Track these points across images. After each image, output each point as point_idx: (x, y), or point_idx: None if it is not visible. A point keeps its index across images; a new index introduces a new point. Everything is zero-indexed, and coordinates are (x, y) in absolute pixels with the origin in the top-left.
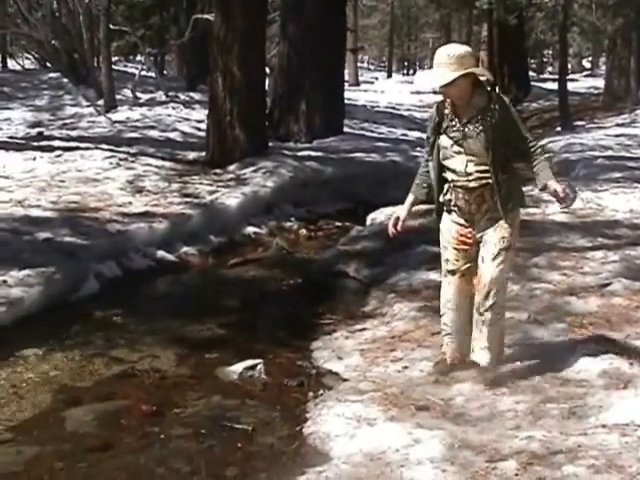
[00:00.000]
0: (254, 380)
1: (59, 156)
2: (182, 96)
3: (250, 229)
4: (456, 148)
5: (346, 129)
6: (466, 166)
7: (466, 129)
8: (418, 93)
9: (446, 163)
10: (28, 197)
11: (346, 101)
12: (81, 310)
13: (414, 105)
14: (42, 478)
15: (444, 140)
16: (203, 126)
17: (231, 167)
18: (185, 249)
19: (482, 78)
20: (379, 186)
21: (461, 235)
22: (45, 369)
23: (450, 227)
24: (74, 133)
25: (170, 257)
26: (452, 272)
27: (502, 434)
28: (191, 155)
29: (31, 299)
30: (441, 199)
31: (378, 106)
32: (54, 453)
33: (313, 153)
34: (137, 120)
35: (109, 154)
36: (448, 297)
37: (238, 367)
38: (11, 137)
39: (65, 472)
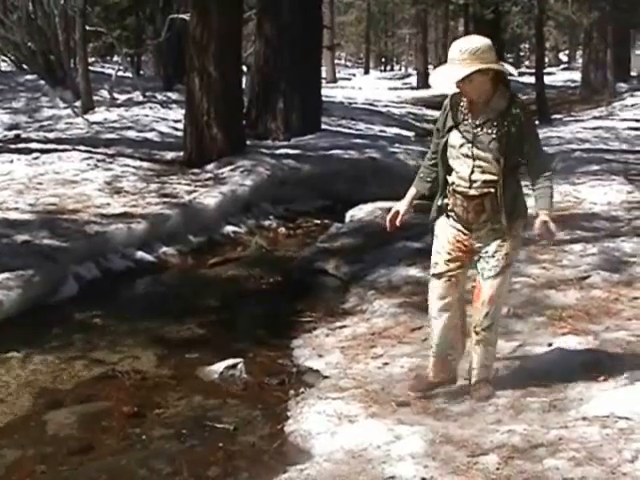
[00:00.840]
0: (235, 379)
1: (37, 158)
2: (159, 96)
3: (229, 228)
4: (464, 150)
5: (324, 126)
6: (472, 172)
7: (479, 131)
8: (395, 89)
9: (450, 163)
10: (6, 200)
11: (323, 98)
12: (60, 312)
13: (392, 101)
14: None
15: (454, 137)
16: (181, 126)
17: (209, 166)
18: (164, 249)
19: (511, 72)
20: (357, 183)
21: (458, 241)
22: (25, 372)
23: (447, 232)
24: (51, 135)
25: (149, 257)
26: (438, 275)
27: (483, 428)
28: (169, 155)
29: (10, 302)
30: (439, 202)
31: (356, 103)
32: (35, 456)
33: (291, 151)
34: (115, 121)
35: (87, 155)
36: (433, 304)
37: (219, 367)
38: None
39: (47, 475)
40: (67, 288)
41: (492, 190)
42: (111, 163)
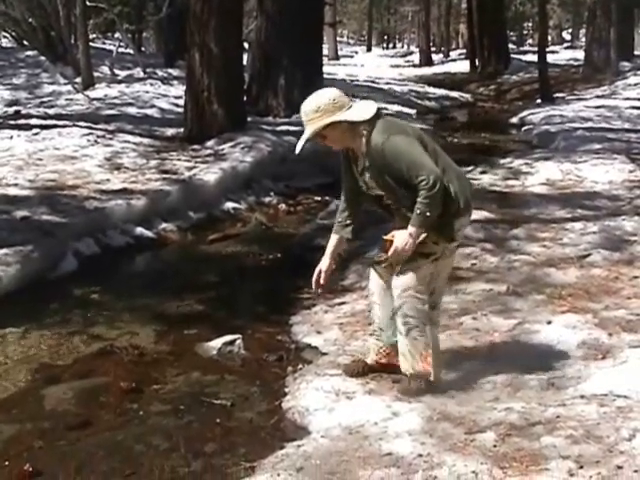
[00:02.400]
0: (233, 355)
1: (37, 134)
2: (160, 72)
3: (229, 205)
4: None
5: None
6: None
7: (364, 177)
8: (397, 66)
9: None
10: (5, 176)
11: (325, 75)
12: (59, 288)
13: (394, 79)
14: (21, 456)
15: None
16: (181, 102)
17: (209, 143)
18: (164, 225)
19: (354, 119)
20: None
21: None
22: (23, 347)
23: None
24: (52, 111)
25: (149, 234)
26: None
27: (481, 406)
28: (169, 131)
29: (9, 278)
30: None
31: (357, 80)
32: (33, 431)
33: (292, 128)
34: (115, 97)
35: (87, 132)
36: (371, 289)
37: (217, 343)
38: None
39: (44, 450)
40: (66, 264)
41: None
42: (111, 139)
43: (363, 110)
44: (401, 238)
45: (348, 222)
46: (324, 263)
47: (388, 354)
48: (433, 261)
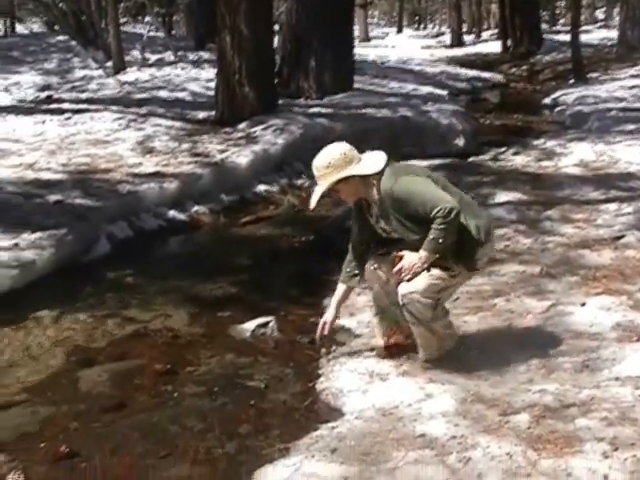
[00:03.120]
0: (266, 337)
1: (69, 119)
2: (191, 56)
3: (261, 187)
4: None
5: (356, 85)
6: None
7: (380, 224)
8: (429, 47)
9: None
10: (38, 160)
11: (356, 57)
12: (93, 271)
13: (425, 60)
14: (57, 438)
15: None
16: (212, 85)
17: (241, 125)
18: (196, 208)
19: (365, 173)
20: (390, 142)
21: None
22: (58, 331)
23: None
24: (83, 95)
25: (181, 217)
26: None
27: (515, 388)
28: (201, 114)
29: (43, 261)
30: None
31: (389, 61)
32: (68, 413)
33: (323, 110)
34: (146, 81)
35: (119, 115)
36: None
37: (250, 325)
38: (20, 101)
39: (79, 432)
40: (100, 247)
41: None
42: (143, 123)
43: (373, 162)
44: (410, 258)
45: (356, 272)
46: (329, 315)
47: (394, 332)
48: (449, 276)
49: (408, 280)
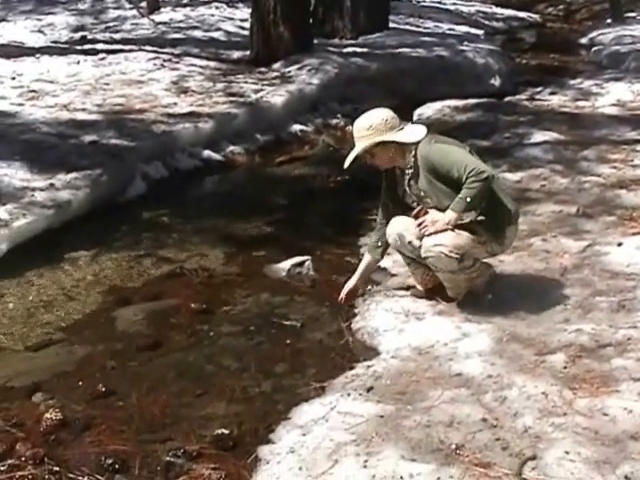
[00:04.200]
0: (302, 277)
1: (103, 59)
2: None
3: (296, 127)
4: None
5: (391, 24)
6: None
7: (413, 190)
8: None
9: None
10: (73, 101)
11: None
12: (128, 211)
13: None
14: (94, 377)
15: None
16: (247, 25)
17: (276, 65)
18: (231, 148)
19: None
20: (426, 81)
21: None
22: (94, 270)
23: None
24: (117, 36)
25: (216, 156)
26: None
27: (551, 327)
28: (235, 54)
29: (78, 201)
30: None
31: (424, 1)
32: (105, 352)
33: (358, 49)
34: (180, 21)
35: (153, 56)
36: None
37: (286, 264)
38: (55, 42)
39: (116, 370)
40: (135, 187)
41: None
42: (177, 63)
43: (413, 132)
44: (435, 215)
45: (380, 244)
46: (352, 283)
47: (431, 277)
48: (476, 241)
49: (429, 235)
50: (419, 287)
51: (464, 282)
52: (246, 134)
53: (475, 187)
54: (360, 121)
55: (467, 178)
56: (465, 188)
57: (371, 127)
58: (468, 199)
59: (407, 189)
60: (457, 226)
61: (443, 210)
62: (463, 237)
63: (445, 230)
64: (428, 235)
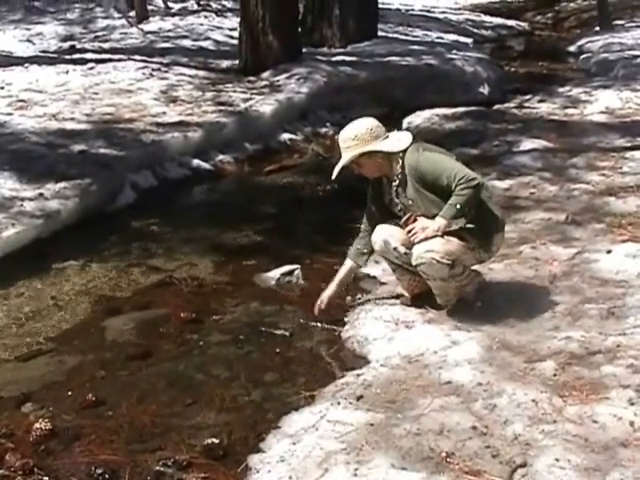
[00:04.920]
0: (292, 285)
1: (92, 68)
2: (214, 4)
3: (285, 136)
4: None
5: (380, 33)
6: None
7: (400, 199)
8: None
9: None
10: (62, 110)
11: (380, 5)
12: (118, 221)
13: (449, 8)
14: (84, 386)
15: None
16: (236, 34)
17: (265, 74)
18: (220, 157)
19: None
20: (415, 90)
21: None
22: (84, 280)
23: None
24: (106, 45)
25: (206, 165)
26: None
27: (540, 335)
28: (224, 63)
29: (68, 211)
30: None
31: (412, 9)
32: (95, 362)
33: (347, 58)
34: (169, 30)
35: (142, 65)
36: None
37: (275, 273)
38: (43, 51)
39: (106, 380)
40: (124, 196)
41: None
42: (166, 72)
43: (399, 140)
44: (424, 222)
45: (365, 251)
46: (329, 292)
47: (417, 283)
48: (465, 247)
49: (419, 242)
50: (406, 293)
51: (454, 290)
52: (235, 143)
53: (465, 194)
54: (345, 132)
55: (457, 185)
56: (455, 195)
57: (356, 137)
58: (458, 206)
59: (394, 197)
60: (446, 233)
61: (431, 218)
62: (454, 243)
63: (435, 237)
64: (418, 242)
